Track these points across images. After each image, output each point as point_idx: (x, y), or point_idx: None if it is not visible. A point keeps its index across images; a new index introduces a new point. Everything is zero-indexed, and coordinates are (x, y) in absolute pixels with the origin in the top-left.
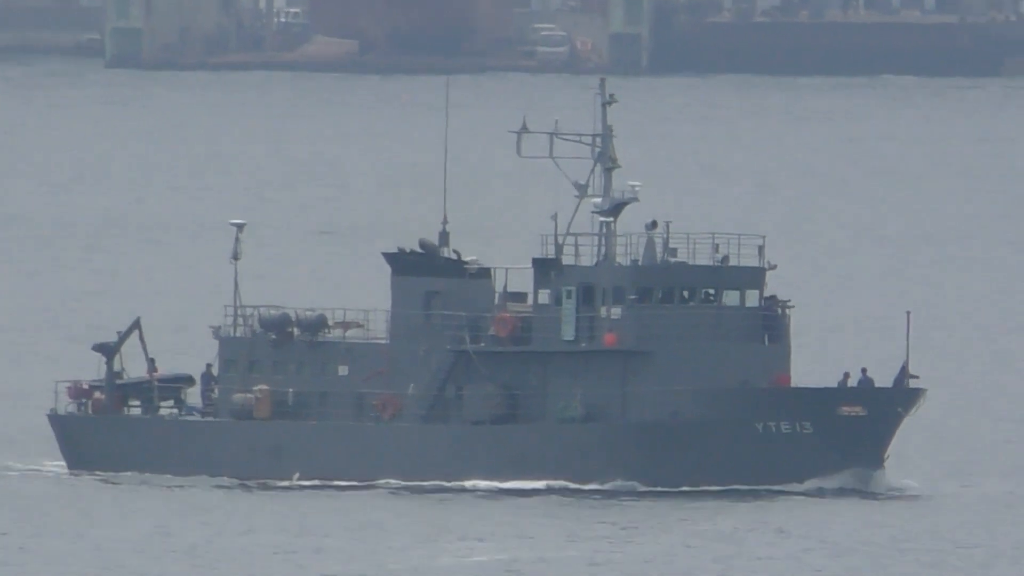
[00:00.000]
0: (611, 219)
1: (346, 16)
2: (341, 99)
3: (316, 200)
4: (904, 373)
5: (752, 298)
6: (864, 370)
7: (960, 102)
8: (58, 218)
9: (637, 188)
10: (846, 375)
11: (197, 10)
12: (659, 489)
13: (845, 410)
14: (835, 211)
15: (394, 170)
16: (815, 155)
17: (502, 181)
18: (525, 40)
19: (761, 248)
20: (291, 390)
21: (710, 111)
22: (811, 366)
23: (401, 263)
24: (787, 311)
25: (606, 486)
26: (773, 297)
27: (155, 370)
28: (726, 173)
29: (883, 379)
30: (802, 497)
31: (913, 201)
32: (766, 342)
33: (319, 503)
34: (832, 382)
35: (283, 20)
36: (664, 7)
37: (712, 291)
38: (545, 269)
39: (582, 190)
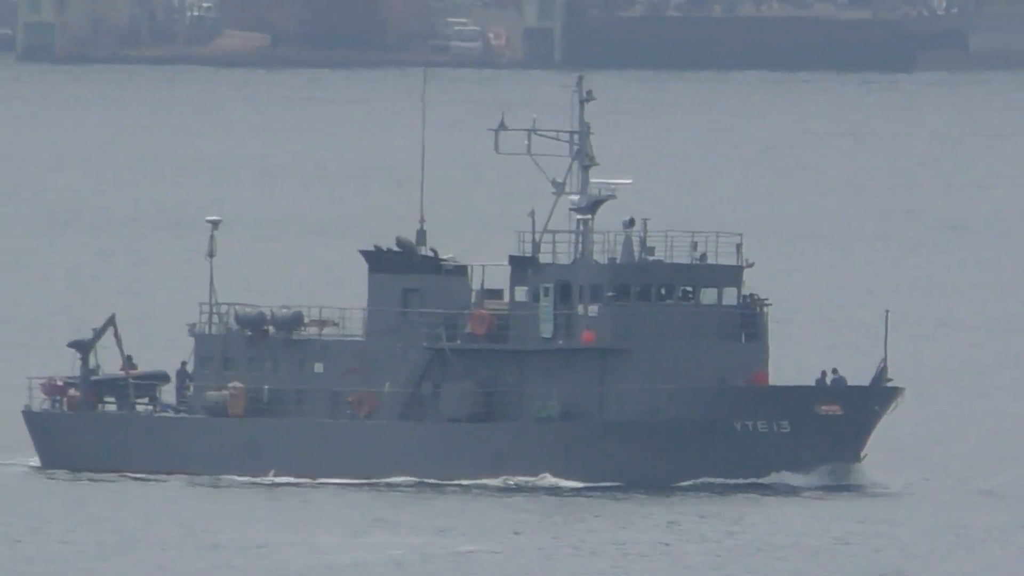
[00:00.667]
0: (588, 216)
1: (258, 10)
2: (254, 93)
3: (262, 196)
4: (883, 372)
5: (730, 296)
6: (835, 370)
7: (874, 97)
8: (25, 213)
9: (613, 186)
10: (823, 373)
11: (109, 4)
12: (638, 487)
13: (823, 409)
14: (795, 208)
15: (337, 165)
16: (740, 150)
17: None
18: (438, 34)
19: (739, 246)
20: (266, 387)
21: (631, 106)
22: (789, 364)
23: (378, 260)
24: (765, 309)
25: (582, 484)
26: (752, 295)
27: (133, 367)
28: (671, 167)
29: (861, 378)
30: (776, 494)
31: (849, 196)
32: (744, 340)
33: (246, 497)
34: (810, 380)
35: (195, 14)
36: (577, 1)
37: (690, 289)
38: (522, 266)
39: (559, 187)
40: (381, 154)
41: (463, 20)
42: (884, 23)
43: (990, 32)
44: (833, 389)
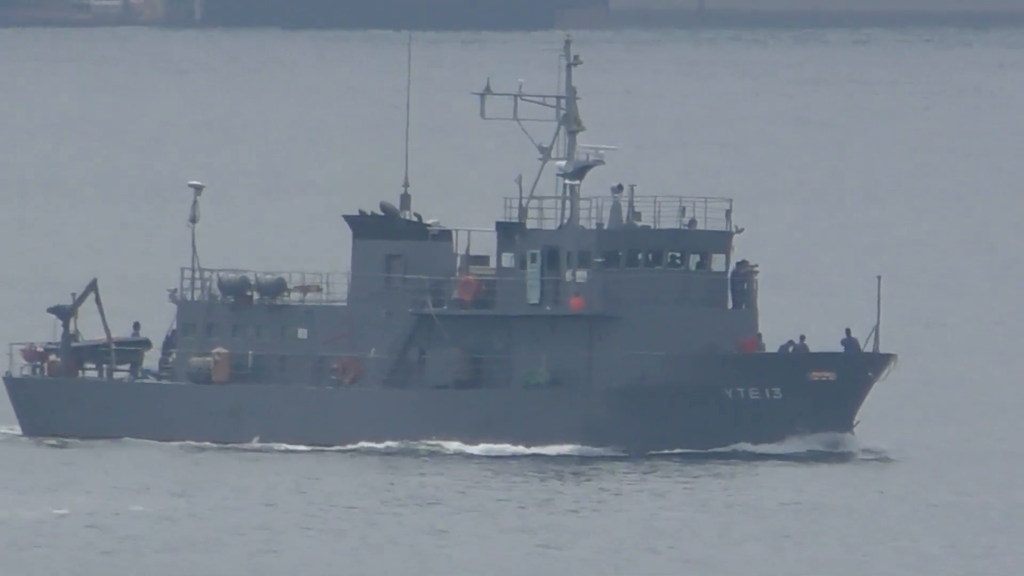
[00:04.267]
0: (576, 182)
1: None
2: None
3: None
4: (871, 338)
5: (719, 262)
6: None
7: (517, 55)
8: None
9: (602, 151)
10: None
11: None
12: (626, 455)
13: (815, 375)
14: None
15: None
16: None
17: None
18: None
19: (728, 211)
20: (250, 353)
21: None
22: (780, 330)
23: (362, 226)
24: (755, 275)
25: (570, 452)
26: (744, 262)
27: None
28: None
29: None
30: (768, 461)
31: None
32: (733, 306)
33: None
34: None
35: None
36: None
37: (678, 255)
38: (509, 232)
39: (546, 152)
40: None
41: None
42: None
43: None
44: (826, 355)
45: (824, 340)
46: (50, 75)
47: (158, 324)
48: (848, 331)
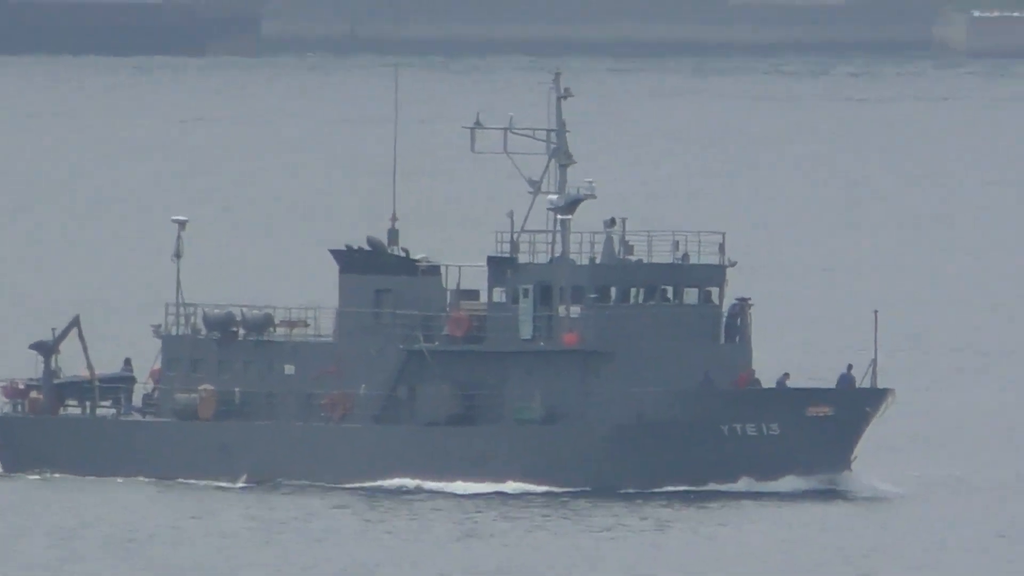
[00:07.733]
0: (568, 216)
1: None
2: None
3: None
4: (865, 374)
5: (713, 296)
6: (787, 375)
7: (163, 80)
8: None
9: (592, 184)
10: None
11: None
12: (621, 492)
13: (812, 411)
14: None
15: None
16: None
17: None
18: None
19: (721, 245)
20: (237, 390)
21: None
22: (775, 364)
23: (349, 260)
24: (748, 309)
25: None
26: (743, 299)
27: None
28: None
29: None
30: (765, 499)
31: None
32: (727, 341)
33: None
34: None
35: None
36: None
37: (672, 289)
38: (501, 267)
39: (536, 186)
40: None
41: None
42: (175, 6)
43: (281, 18)
44: (824, 391)
45: (817, 376)
46: None
47: (143, 359)
48: (849, 367)
